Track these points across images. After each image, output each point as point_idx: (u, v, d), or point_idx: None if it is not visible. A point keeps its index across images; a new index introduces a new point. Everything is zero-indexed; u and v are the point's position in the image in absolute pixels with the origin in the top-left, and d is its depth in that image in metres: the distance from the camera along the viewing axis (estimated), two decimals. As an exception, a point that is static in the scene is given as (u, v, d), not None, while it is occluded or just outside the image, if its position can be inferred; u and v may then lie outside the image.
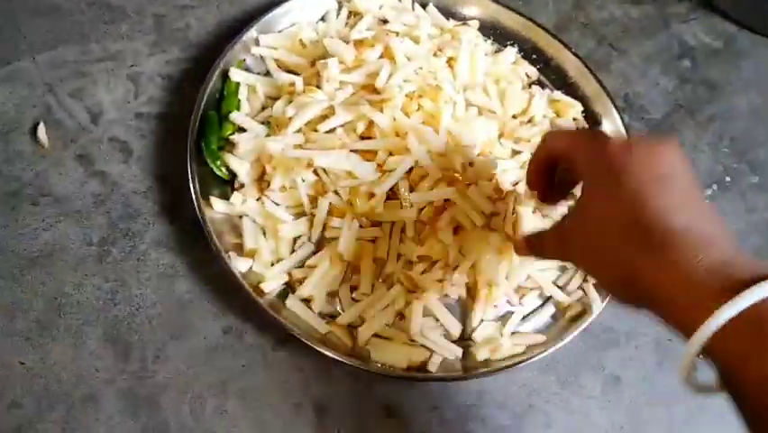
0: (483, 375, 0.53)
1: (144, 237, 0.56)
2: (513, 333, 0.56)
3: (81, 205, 0.57)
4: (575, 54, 0.68)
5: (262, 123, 0.60)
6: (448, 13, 0.70)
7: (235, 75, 0.61)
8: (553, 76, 0.69)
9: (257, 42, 0.64)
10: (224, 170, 0.57)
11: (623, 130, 0.64)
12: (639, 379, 0.57)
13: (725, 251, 0.35)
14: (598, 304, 0.57)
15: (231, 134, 0.58)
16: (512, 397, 0.55)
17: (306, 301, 0.54)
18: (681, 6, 0.77)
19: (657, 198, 0.37)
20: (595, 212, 0.40)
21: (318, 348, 0.51)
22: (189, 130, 0.57)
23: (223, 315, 0.54)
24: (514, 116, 0.65)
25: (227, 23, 0.68)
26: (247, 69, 0.63)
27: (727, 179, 0.68)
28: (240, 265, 0.54)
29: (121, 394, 0.50)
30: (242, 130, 0.59)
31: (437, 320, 0.55)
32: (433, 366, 0.53)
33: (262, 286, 0.53)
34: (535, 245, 0.49)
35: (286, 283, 0.55)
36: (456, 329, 0.55)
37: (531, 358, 0.54)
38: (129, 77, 0.63)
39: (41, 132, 0.59)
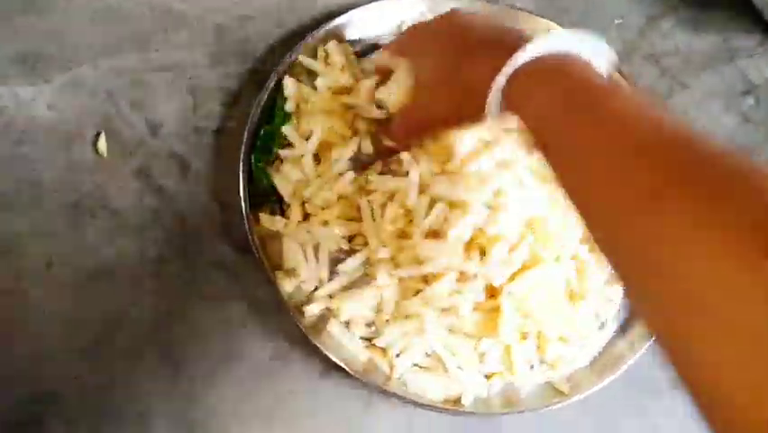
0: (521, 412, 0.54)
1: (199, 257, 0.57)
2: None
3: (139, 220, 0.58)
4: (637, 87, 0.67)
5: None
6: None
7: (288, 87, 0.61)
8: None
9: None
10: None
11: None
12: (678, 430, 0.57)
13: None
14: (640, 347, 0.57)
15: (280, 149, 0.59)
16: (551, 438, 0.56)
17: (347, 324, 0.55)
18: (749, 40, 0.75)
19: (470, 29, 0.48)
20: (421, 67, 0.50)
21: (358, 376, 0.52)
22: (242, 145, 0.58)
23: (271, 339, 0.55)
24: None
25: (286, 38, 0.67)
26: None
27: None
28: (286, 286, 0.54)
29: (171, 415, 0.52)
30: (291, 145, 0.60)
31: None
32: (466, 400, 0.54)
33: (304, 309, 0.54)
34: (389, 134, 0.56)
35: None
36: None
37: (568, 400, 0.55)
38: (188, 89, 0.63)
39: (102, 142, 0.60)
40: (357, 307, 0.55)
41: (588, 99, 0.37)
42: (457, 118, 0.49)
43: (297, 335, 0.55)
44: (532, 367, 0.56)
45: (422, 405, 0.53)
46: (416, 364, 0.55)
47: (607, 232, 0.35)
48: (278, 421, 0.53)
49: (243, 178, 0.57)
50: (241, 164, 0.57)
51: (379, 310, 0.55)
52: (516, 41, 0.40)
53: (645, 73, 0.72)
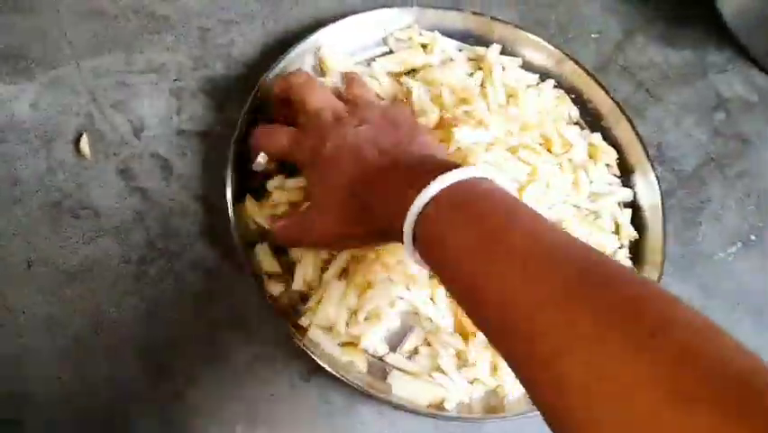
0: (504, 417, 0.55)
1: (182, 258, 0.57)
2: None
3: (120, 221, 0.57)
4: (613, 99, 0.68)
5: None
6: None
7: None
8: (588, 118, 0.70)
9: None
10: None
11: (655, 182, 0.65)
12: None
13: (432, 159, 0.48)
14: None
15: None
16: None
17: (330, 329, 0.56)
18: (720, 56, 0.78)
19: (366, 149, 0.49)
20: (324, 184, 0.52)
21: (344, 378, 0.52)
22: (230, 148, 0.58)
23: (254, 341, 0.55)
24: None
25: (271, 42, 0.68)
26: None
27: (752, 237, 0.69)
28: (272, 289, 0.55)
29: (154, 415, 0.52)
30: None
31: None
32: (449, 405, 0.55)
33: (300, 321, 0.54)
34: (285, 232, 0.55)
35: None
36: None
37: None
38: (172, 91, 0.64)
39: (84, 143, 0.59)
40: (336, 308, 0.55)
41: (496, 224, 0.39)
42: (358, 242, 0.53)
43: (279, 337, 0.55)
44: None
45: (407, 409, 0.53)
46: (400, 369, 0.56)
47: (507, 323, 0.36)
48: (261, 424, 0.53)
49: (231, 181, 0.57)
50: (228, 166, 0.57)
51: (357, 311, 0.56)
52: (416, 180, 0.42)
53: (621, 86, 0.74)
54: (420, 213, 0.41)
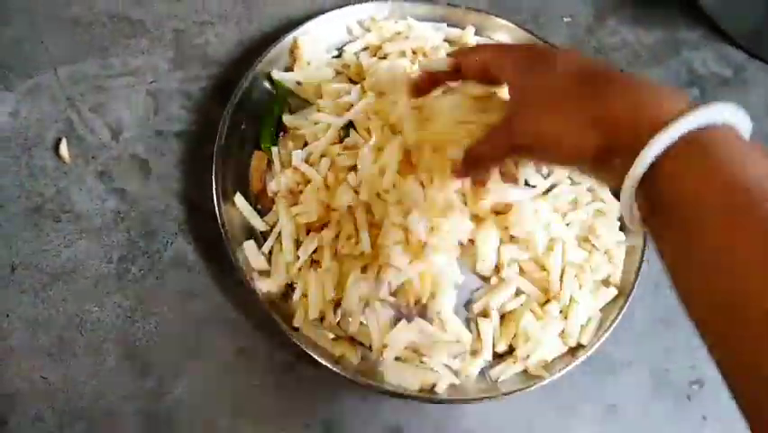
0: (486, 399, 0.56)
1: (163, 256, 0.58)
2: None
3: (101, 222, 0.58)
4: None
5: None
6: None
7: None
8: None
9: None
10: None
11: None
12: (635, 407, 0.59)
13: (663, 89, 0.39)
14: (598, 337, 0.59)
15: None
16: (514, 422, 0.57)
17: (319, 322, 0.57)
18: (693, 33, 0.78)
19: (593, 65, 0.43)
20: (539, 86, 0.44)
21: (331, 367, 0.53)
22: (215, 145, 0.59)
23: (237, 335, 0.56)
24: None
25: (246, 42, 0.69)
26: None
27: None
28: (262, 286, 0.56)
29: (139, 411, 0.52)
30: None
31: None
32: (440, 388, 0.55)
33: (293, 322, 0.55)
34: (478, 153, 0.49)
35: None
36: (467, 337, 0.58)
37: (531, 386, 0.56)
38: (149, 93, 0.65)
39: (63, 148, 0.60)
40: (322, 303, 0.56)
41: (746, 199, 0.33)
42: (566, 159, 0.43)
43: (263, 331, 0.56)
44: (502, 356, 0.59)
45: (397, 394, 0.54)
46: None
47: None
48: (246, 415, 0.54)
49: (217, 177, 0.58)
50: (214, 163, 0.58)
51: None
52: (658, 116, 0.36)
53: (595, 68, 0.74)
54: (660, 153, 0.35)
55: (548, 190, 0.63)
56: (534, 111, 0.44)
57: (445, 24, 0.71)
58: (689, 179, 0.35)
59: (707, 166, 0.34)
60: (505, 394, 0.55)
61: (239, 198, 0.58)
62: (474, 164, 0.50)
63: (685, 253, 0.35)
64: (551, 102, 0.43)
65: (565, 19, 0.76)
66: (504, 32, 0.71)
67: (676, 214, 0.35)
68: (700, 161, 0.34)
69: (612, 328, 0.58)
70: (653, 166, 0.36)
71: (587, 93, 0.41)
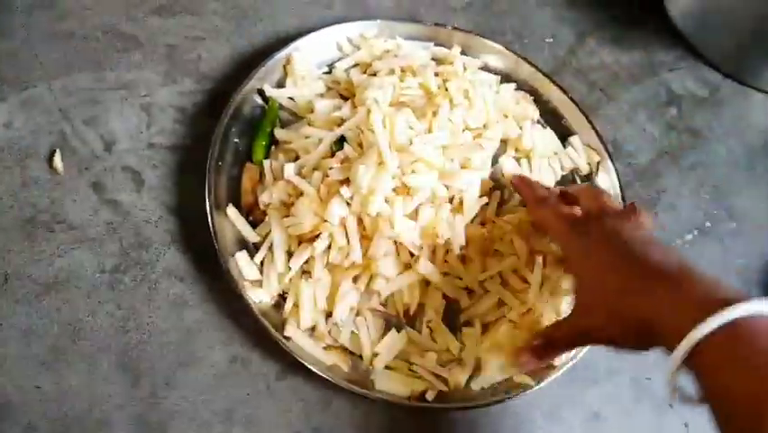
0: (474, 407, 0.57)
1: (155, 266, 0.59)
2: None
3: (94, 233, 0.59)
4: (571, 99, 0.71)
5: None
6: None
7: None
8: (548, 116, 0.73)
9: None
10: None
11: (615, 176, 0.68)
12: (618, 414, 0.60)
13: (707, 281, 0.43)
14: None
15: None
16: (503, 429, 0.58)
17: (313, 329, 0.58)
18: (670, 55, 0.81)
19: (645, 250, 0.48)
20: (594, 279, 0.50)
21: (323, 375, 0.54)
22: (209, 157, 0.60)
23: (229, 343, 0.57)
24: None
25: (237, 58, 0.70)
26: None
27: (707, 224, 0.72)
28: (254, 295, 0.56)
29: (132, 420, 0.53)
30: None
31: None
32: (429, 396, 0.56)
33: (285, 330, 0.56)
34: (548, 344, 0.54)
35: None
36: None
37: (518, 394, 0.57)
38: (142, 106, 0.66)
39: (57, 159, 0.61)
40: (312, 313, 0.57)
41: None
42: (618, 345, 0.49)
43: (254, 339, 0.57)
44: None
45: (388, 402, 0.55)
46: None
47: None
48: (238, 423, 0.54)
49: (210, 188, 0.59)
50: (207, 174, 0.59)
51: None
52: (703, 300, 0.41)
53: (576, 87, 0.77)
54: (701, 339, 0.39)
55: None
56: (591, 310, 0.50)
57: (432, 44, 0.73)
58: (724, 373, 0.39)
59: (743, 356, 0.38)
60: (492, 403, 0.57)
61: (231, 210, 0.59)
62: (553, 351, 0.55)
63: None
64: (604, 296, 0.48)
65: (547, 40, 0.79)
66: (490, 54, 0.73)
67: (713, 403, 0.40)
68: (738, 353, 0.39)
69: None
70: (692, 354, 0.40)
71: (635, 288, 0.46)
